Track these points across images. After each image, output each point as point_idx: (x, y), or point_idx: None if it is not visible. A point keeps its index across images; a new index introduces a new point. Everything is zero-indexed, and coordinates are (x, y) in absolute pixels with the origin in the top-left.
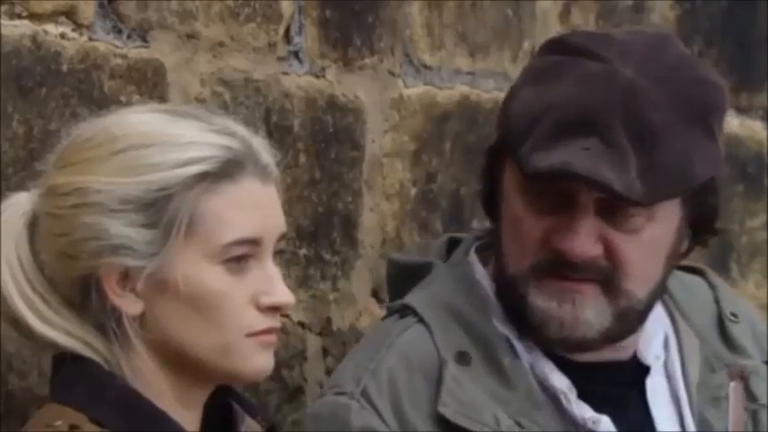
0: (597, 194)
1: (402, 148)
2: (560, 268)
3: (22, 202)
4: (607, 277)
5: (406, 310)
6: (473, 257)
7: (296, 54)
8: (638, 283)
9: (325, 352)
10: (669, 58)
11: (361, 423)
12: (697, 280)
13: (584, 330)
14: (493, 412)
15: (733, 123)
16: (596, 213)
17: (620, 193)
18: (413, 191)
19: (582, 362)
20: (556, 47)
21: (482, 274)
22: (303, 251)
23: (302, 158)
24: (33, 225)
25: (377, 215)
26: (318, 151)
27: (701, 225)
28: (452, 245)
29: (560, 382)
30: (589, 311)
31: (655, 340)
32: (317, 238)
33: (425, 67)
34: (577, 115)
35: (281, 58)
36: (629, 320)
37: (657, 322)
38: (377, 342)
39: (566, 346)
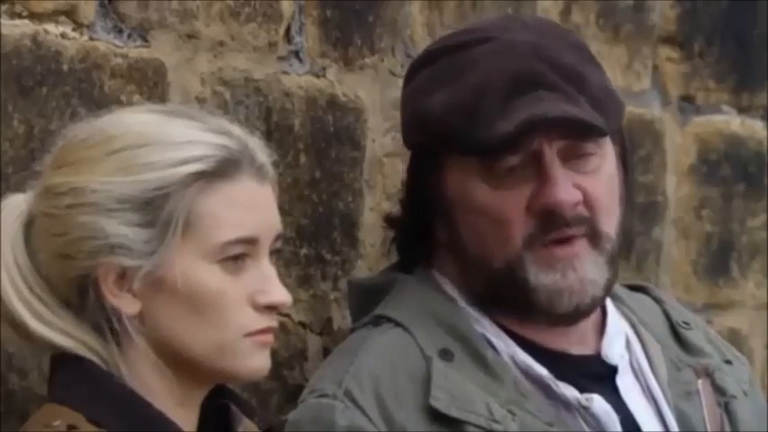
0: (559, 144)
1: (403, 147)
2: (553, 228)
3: (17, 203)
4: (590, 228)
5: (380, 320)
6: (434, 271)
7: (296, 53)
8: (609, 224)
9: (325, 352)
10: (533, 21)
11: (347, 422)
12: (643, 296)
13: (591, 291)
14: (485, 402)
15: (733, 123)
16: (562, 163)
17: (591, 123)
18: None
19: (554, 351)
20: (433, 54)
21: (447, 283)
22: (304, 251)
23: (303, 158)
24: (29, 226)
25: (377, 215)
26: (319, 151)
27: (624, 160)
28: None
29: (542, 370)
30: (589, 270)
31: (617, 340)
32: (317, 237)
33: None
34: (513, 80)
35: (281, 58)
36: (615, 265)
37: (617, 324)
38: (354, 348)
39: (576, 316)
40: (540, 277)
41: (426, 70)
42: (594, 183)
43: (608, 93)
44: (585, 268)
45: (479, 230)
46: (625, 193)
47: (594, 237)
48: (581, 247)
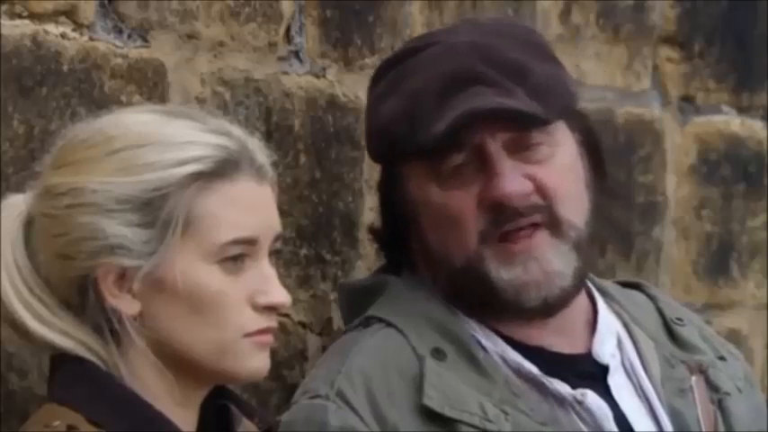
0: (503, 137)
1: None
2: (505, 221)
3: (17, 204)
4: (548, 215)
5: (371, 320)
6: (423, 274)
7: (296, 54)
8: (572, 210)
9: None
10: (487, 22)
11: (339, 423)
12: (636, 293)
13: (559, 282)
14: (478, 401)
15: (733, 123)
16: (509, 155)
17: (526, 111)
18: None
19: (543, 349)
20: (388, 64)
21: (432, 285)
22: (303, 251)
23: (302, 158)
24: (29, 226)
25: (377, 215)
26: (319, 151)
27: (592, 150)
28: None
29: (532, 368)
30: (554, 261)
31: (609, 340)
32: (317, 237)
33: None
34: (451, 80)
35: (281, 58)
36: (585, 253)
37: (609, 323)
38: (345, 348)
39: (547, 309)
40: (502, 272)
41: (382, 80)
42: (548, 171)
43: (555, 82)
44: (549, 259)
45: (439, 232)
46: (594, 180)
47: (554, 225)
48: (540, 238)
